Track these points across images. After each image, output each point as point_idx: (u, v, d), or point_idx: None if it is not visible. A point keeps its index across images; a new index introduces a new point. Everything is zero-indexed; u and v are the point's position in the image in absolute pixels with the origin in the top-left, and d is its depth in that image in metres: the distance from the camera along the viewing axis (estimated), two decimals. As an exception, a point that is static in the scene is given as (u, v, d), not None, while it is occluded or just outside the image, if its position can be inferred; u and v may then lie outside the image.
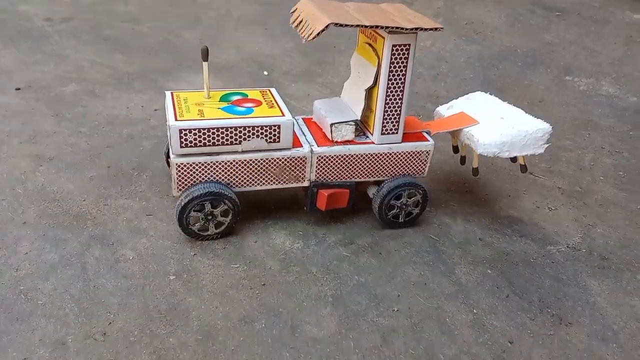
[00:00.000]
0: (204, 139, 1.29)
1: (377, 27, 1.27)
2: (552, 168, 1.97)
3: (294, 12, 1.47)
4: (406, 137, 1.50)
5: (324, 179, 1.45)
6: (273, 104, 1.42)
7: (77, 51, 2.56)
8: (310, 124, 1.54)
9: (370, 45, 1.42)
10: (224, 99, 1.42)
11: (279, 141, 1.36)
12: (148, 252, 1.33)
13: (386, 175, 1.51)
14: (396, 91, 1.40)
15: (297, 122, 1.54)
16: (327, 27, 1.24)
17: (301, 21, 1.38)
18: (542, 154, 1.56)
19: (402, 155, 1.49)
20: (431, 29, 1.31)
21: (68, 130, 1.84)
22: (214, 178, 1.35)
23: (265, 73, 2.51)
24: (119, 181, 1.59)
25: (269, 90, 1.51)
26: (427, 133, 1.55)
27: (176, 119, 1.28)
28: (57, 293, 1.18)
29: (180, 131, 1.27)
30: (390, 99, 1.40)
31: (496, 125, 1.55)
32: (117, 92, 2.19)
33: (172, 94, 1.43)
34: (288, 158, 1.39)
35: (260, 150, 1.36)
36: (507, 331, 1.24)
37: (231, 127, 1.30)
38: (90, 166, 1.65)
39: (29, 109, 1.97)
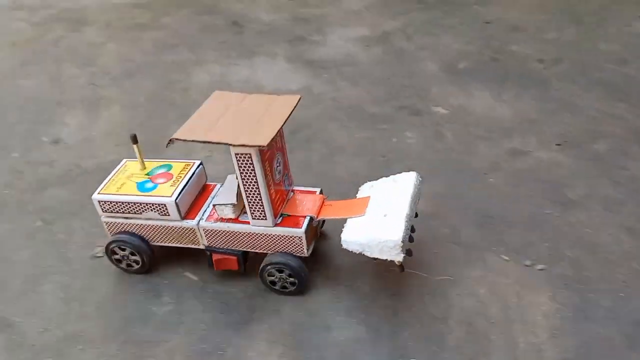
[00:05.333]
0: (116, 208, 1.74)
1: (210, 142, 1.48)
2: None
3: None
4: (283, 221, 1.68)
5: (214, 245, 1.75)
6: (180, 180, 1.76)
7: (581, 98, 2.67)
8: (221, 193, 1.83)
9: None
10: (150, 172, 1.82)
11: (169, 215, 1.72)
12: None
13: (267, 249, 1.72)
14: (252, 189, 1.59)
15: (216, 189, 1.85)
16: (171, 141, 1.51)
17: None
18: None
19: (276, 237, 1.67)
20: (257, 146, 1.45)
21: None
22: (135, 232, 1.79)
23: None
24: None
25: (194, 162, 1.83)
26: (310, 218, 1.67)
27: (98, 193, 1.75)
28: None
29: (99, 202, 1.75)
30: (249, 194, 1.60)
31: (368, 224, 1.57)
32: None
33: (125, 161, 1.89)
34: (179, 227, 1.74)
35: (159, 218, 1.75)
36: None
37: (132, 202, 1.72)
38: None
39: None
